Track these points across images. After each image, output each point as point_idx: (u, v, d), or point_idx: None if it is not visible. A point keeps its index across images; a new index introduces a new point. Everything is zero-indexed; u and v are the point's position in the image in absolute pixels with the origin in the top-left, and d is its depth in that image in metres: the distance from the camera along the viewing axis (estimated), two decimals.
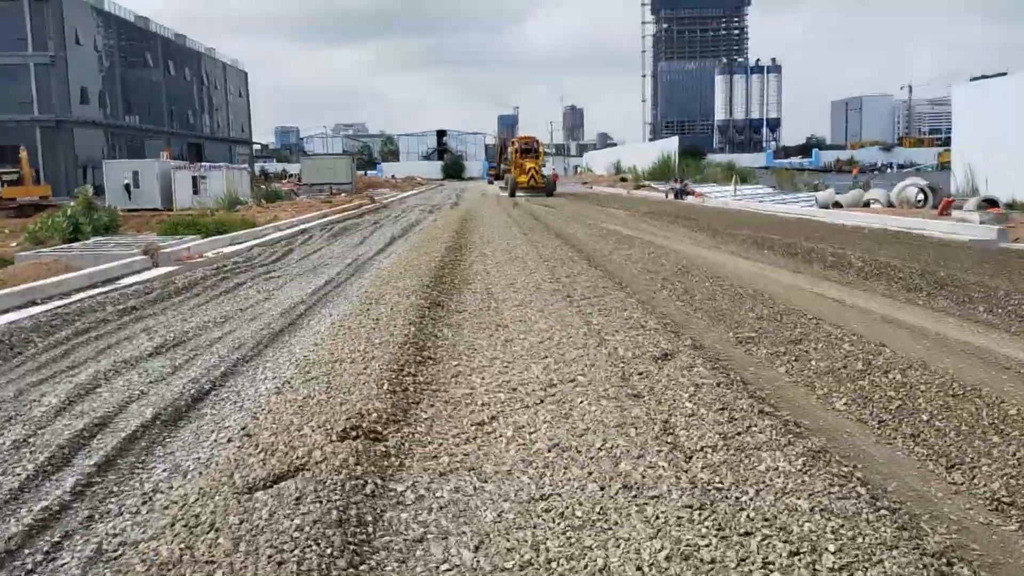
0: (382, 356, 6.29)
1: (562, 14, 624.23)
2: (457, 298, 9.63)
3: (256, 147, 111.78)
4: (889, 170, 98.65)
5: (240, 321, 8.86)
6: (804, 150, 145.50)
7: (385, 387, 5.44)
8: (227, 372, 6.55)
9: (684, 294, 9.36)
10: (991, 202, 22.97)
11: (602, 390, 5.29)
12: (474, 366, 6.34)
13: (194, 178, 39.56)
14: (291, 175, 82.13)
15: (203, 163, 46.03)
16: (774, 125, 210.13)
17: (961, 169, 28.86)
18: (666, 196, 39.62)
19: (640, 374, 5.68)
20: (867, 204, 28.18)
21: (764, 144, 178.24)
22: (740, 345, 6.84)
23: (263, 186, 50.09)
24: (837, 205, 28.84)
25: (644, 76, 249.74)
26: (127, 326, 8.93)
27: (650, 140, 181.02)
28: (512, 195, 39.00)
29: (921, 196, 27.22)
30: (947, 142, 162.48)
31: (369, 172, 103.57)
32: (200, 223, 21.84)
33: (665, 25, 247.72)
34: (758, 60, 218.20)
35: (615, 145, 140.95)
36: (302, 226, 23.82)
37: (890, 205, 27.50)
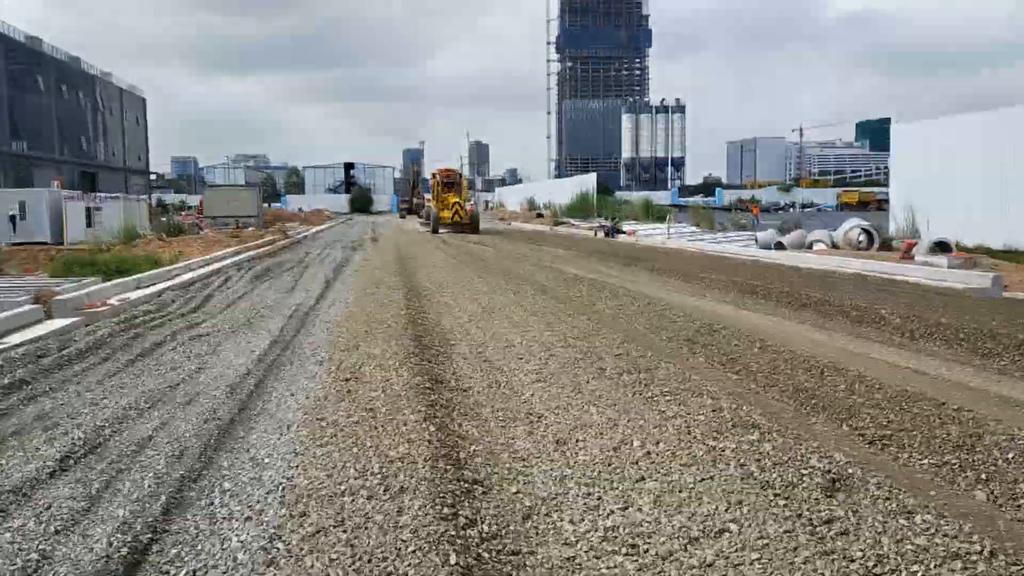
0: (410, 485, 4.28)
1: (468, 50, 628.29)
2: (448, 368, 7.64)
3: (152, 177, 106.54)
4: (792, 210, 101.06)
5: (172, 406, 6.65)
6: (703, 189, 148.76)
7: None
8: (170, 507, 4.41)
9: (734, 363, 7.59)
10: (943, 245, 22.34)
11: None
12: (541, 495, 4.39)
13: (88, 209, 36.19)
14: (191, 207, 78.09)
15: (98, 193, 42.47)
16: (678, 164, 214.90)
17: (901, 210, 28.48)
18: (595, 234, 38.42)
19: (824, 520, 3.84)
20: (810, 246, 27.44)
21: (669, 182, 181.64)
22: (882, 451, 5.09)
23: (163, 218, 46.72)
24: (780, 246, 28.02)
25: (549, 113, 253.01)
26: (14, 412, 6.62)
27: (555, 176, 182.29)
28: (435, 231, 36.98)
29: (863, 238, 26.63)
30: (840, 183, 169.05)
31: (274, 204, 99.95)
32: (99, 261, 19.12)
33: (570, 64, 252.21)
34: (663, 100, 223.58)
35: (521, 182, 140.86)
36: (215, 265, 21.32)
37: (834, 246, 26.79)
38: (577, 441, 5.27)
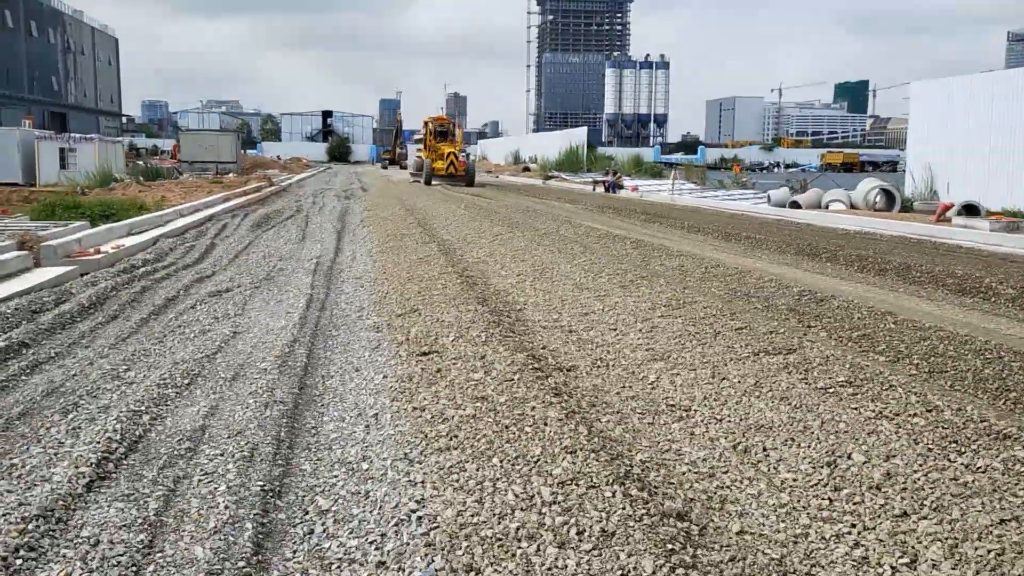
0: (611, 527, 3.07)
1: (448, 1, 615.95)
2: (534, 341, 6.40)
3: (123, 120, 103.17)
4: (776, 169, 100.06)
5: (216, 382, 5.37)
6: (683, 147, 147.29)
7: None
8: (260, 543, 3.17)
9: (878, 343, 6.35)
10: (971, 208, 21.33)
11: None
12: (777, 539, 3.21)
13: (62, 150, 34.22)
14: (163, 151, 75.61)
15: (72, 134, 40.36)
16: (661, 121, 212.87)
17: (919, 171, 27.46)
18: (593, 189, 37.09)
19: None
20: (826, 206, 26.38)
21: (651, 139, 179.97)
22: None
23: (139, 162, 44.75)
24: (795, 205, 26.93)
25: (529, 67, 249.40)
26: (17, 385, 5.33)
27: (533, 131, 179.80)
28: (428, 182, 35.37)
29: (880, 199, 25.58)
30: (818, 144, 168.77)
31: (250, 151, 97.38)
32: (83, 205, 17.58)
33: (550, 17, 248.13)
34: (647, 56, 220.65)
35: (502, 135, 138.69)
36: (206, 211, 19.82)
37: (852, 207, 25.72)
38: (765, 449, 4.08)
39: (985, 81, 26.08)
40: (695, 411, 4.65)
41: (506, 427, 4.14)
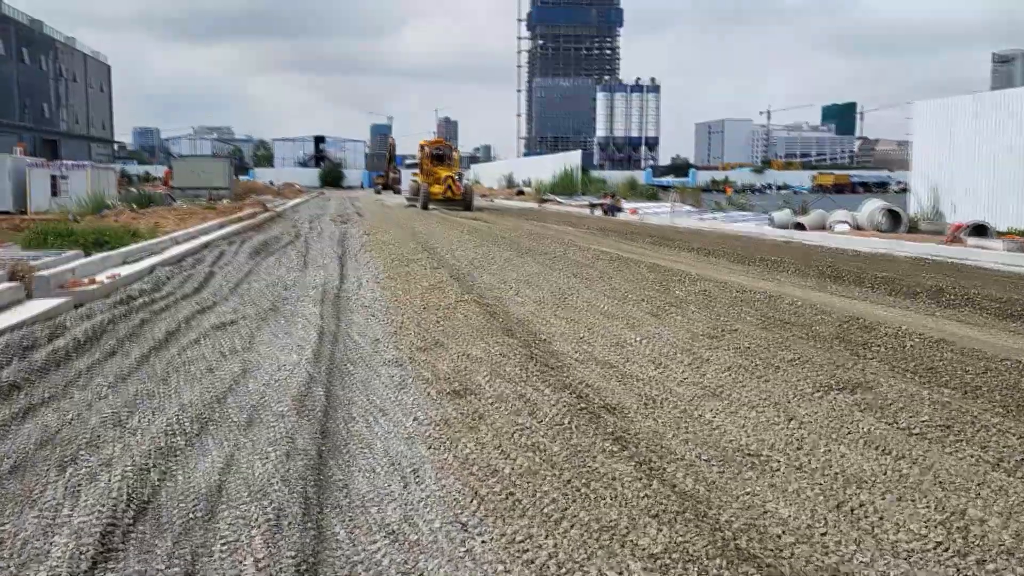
0: None
1: (437, 25, 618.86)
2: (572, 377, 5.90)
3: (114, 146, 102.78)
4: (768, 191, 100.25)
5: (229, 429, 4.85)
6: (674, 169, 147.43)
7: None
8: None
9: (951, 379, 5.88)
10: (980, 228, 21.00)
11: None
12: None
13: (53, 177, 33.73)
14: (155, 178, 75.12)
15: (64, 161, 39.86)
16: (652, 144, 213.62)
17: (924, 191, 27.18)
18: (590, 212, 36.72)
19: None
20: (830, 227, 26.03)
21: (642, 162, 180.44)
22: None
23: (132, 189, 44.24)
24: (799, 226, 26.58)
25: (519, 91, 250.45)
26: (9, 433, 4.81)
27: (524, 155, 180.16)
28: (425, 207, 34.88)
29: (883, 219, 25.22)
30: (808, 166, 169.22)
31: (242, 177, 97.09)
32: (76, 232, 17.03)
33: (540, 41, 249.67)
34: (638, 79, 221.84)
35: (494, 159, 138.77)
36: (203, 238, 19.31)
37: (858, 228, 25.37)
38: (863, 505, 3.57)
39: (991, 100, 25.87)
40: (771, 459, 4.15)
41: (571, 484, 3.63)
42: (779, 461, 4.13)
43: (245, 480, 4.01)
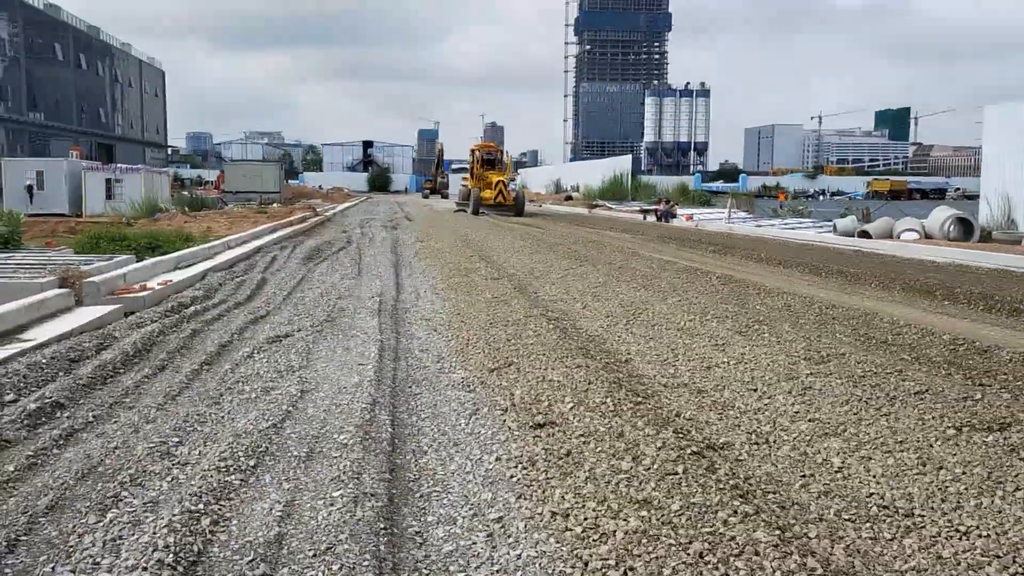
0: None
1: (484, 31, 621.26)
2: (662, 406, 5.28)
3: (168, 151, 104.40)
4: (821, 197, 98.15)
5: (288, 463, 4.33)
6: (722, 175, 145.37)
7: None
8: None
9: None
10: None
11: None
12: None
13: (108, 180, 33.99)
14: (207, 182, 75.95)
15: (118, 164, 40.23)
16: (701, 149, 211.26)
17: (995, 198, 25.99)
18: (643, 218, 35.92)
19: None
20: (897, 235, 24.99)
21: (691, 167, 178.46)
22: None
23: (184, 192, 44.56)
24: (863, 234, 25.59)
25: (566, 96, 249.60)
26: (47, 462, 4.35)
27: (571, 160, 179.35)
28: (476, 212, 34.33)
29: (953, 228, 24.11)
30: (860, 171, 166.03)
31: (291, 181, 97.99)
32: (128, 236, 16.86)
33: (587, 47, 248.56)
34: (687, 84, 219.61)
35: (541, 164, 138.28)
36: (254, 243, 19.04)
37: (927, 237, 24.30)
38: None
39: None
40: (923, 519, 3.50)
41: (704, 560, 3.02)
42: (933, 521, 3.48)
43: (308, 531, 3.47)
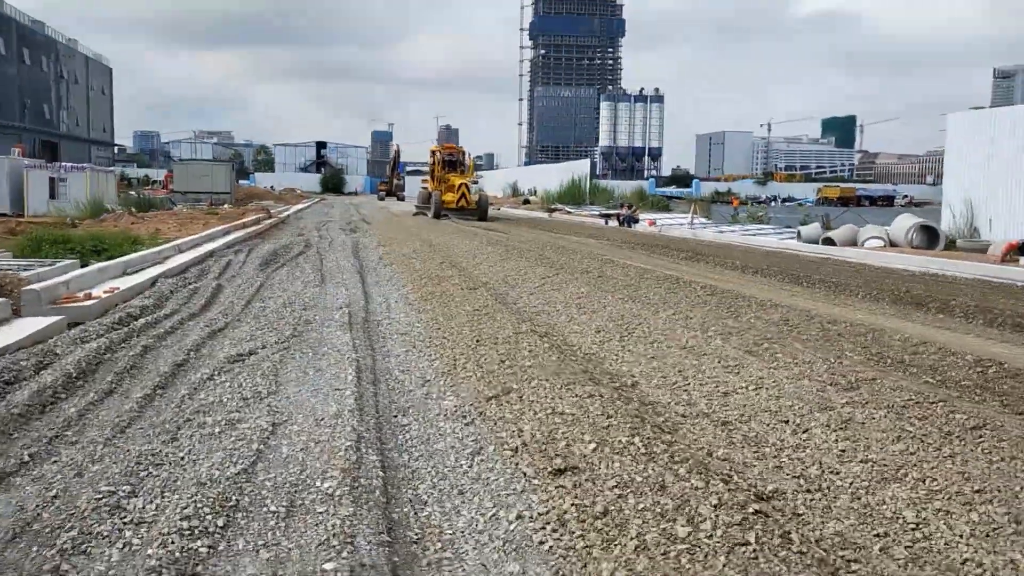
0: None
1: (439, 34, 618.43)
2: (683, 443, 4.67)
3: (114, 149, 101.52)
4: (773, 203, 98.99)
5: (263, 521, 3.62)
6: (675, 180, 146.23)
7: None
8: None
9: None
10: None
11: None
12: None
13: (52, 179, 32.52)
14: (155, 181, 73.91)
15: (63, 163, 38.64)
16: (655, 154, 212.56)
17: (958, 206, 25.97)
18: (606, 222, 35.46)
19: None
20: (862, 243, 24.82)
21: (645, 172, 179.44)
22: None
23: (132, 192, 43.01)
24: (828, 241, 25.39)
25: (521, 100, 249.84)
26: None
27: (526, 163, 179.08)
28: (437, 216, 33.41)
29: (915, 236, 24.01)
30: (808, 178, 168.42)
31: (242, 182, 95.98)
32: (72, 239, 15.78)
33: (542, 51, 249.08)
34: (641, 90, 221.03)
35: (497, 167, 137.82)
36: (207, 246, 18.10)
37: (892, 244, 24.17)
38: None
39: None
40: None
41: None
42: None
43: None
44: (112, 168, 48.92)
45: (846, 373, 5.98)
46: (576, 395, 5.20)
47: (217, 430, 4.90)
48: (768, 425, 4.92)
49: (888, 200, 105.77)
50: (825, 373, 6.01)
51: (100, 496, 3.87)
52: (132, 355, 7.01)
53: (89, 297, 9.90)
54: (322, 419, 5.10)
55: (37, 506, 3.85)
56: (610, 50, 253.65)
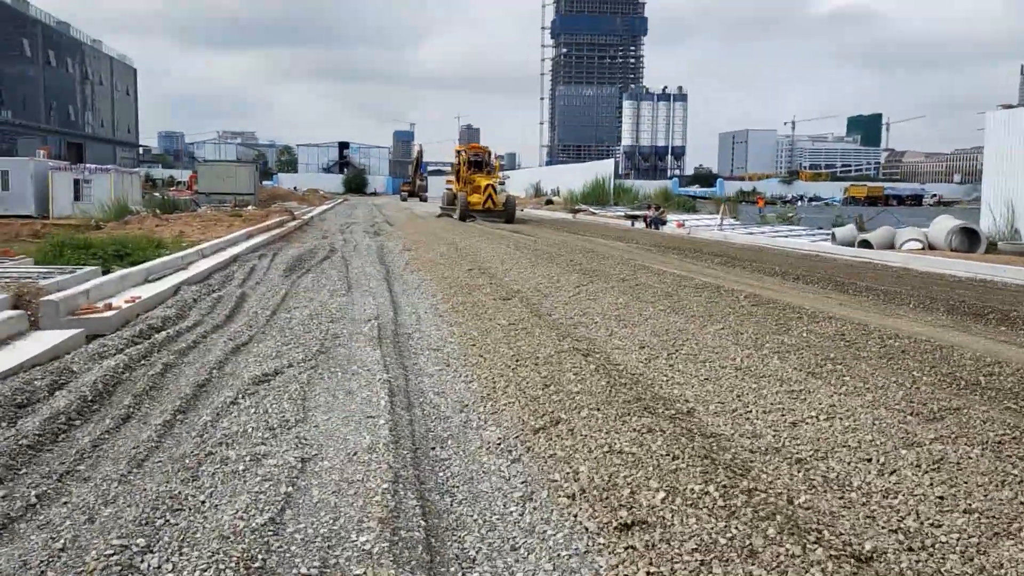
0: None
1: (461, 33, 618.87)
2: (768, 483, 4.19)
3: (139, 150, 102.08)
4: (799, 203, 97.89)
5: None
6: (698, 179, 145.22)
7: None
8: None
9: None
10: None
11: None
12: None
13: (76, 181, 32.45)
14: (180, 182, 74.17)
15: (88, 164, 38.61)
16: (678, 153, 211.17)
17: (999, 206, 25.20)
18: (632, 224, 34.89)
19: None
20: (900, 246, 24.13)
21: (668, 172, 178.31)
22: None
23: (156, 194, 42.96)
24: (864, 244, 24.71)
25: (542, 99, 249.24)
26: None
27: (547, 162, 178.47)
28: (463, 218, 32.87)
29: (955, 240, 23.27)
30: (834, 177, 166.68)
31: (266, 182, 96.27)
32: (94, 244, 15.48)
33: (564, 50, 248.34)
34: (664, 88, 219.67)
35: (519, 167, 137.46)
36: (231, 250, 17.78)
37: (930, 247, 23.47)
38: None
39: None
40: None
41: None
42: None
43: None
44: (137, 169, 48.91)
45: (925, 400, 5.47)
46: (633, 429, 4.72)
47: (241, 467, 4.47)
48: (849, 464, 4.43)
49: (917, 199, 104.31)
50: (902, 400, 5.49)
51: (111, 552, 3.46)
52: (152, 374, 6.62)
53: (109, 308, 9.54)
54: (355, 453, 4.66)
55: (40, 562, 3.44)
56: (632, 48, 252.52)
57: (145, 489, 4.24)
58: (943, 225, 24.06)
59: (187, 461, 4.61)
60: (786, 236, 29.01)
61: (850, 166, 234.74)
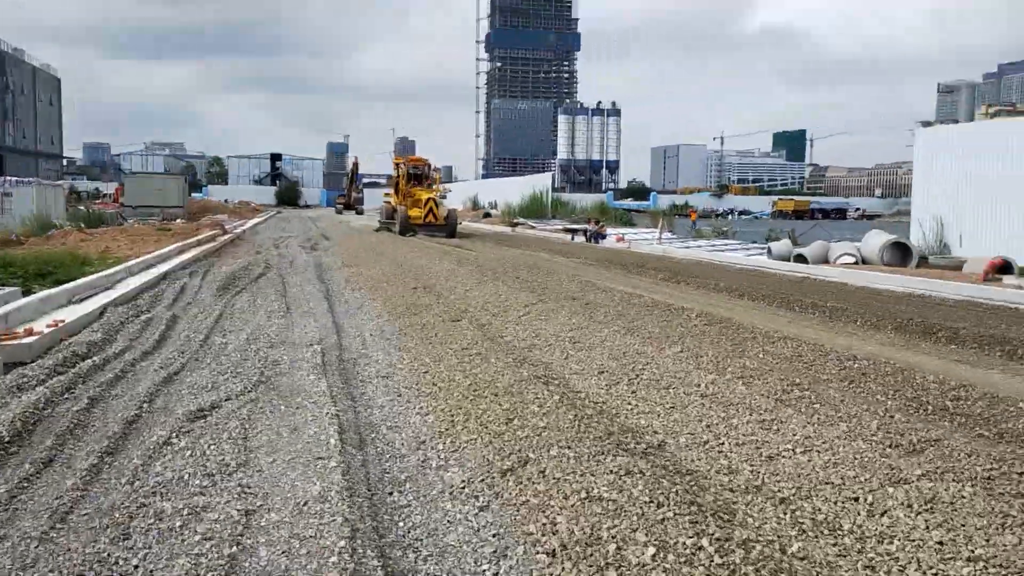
0: None
1: (396, 46, 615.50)
2: (773, 546, 3.91)
3: (63, 162, 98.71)
4: (730, 216, 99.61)
5: None
6: (631, 193, 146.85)
7: None
8: None
9: None
10: (1005, 266, 19.54)
11: None
12: None
13: None
14: (105, 195, 71.88)
15: (8, 177, 37.00)
16: (613, 167, 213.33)
17: (928, 221, 25.75)
18: (571, 238, 34.81)
19: None
20: (834, 260, 24.47)
21: (603, 185, 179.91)
22: None
23: (81, 207, 41.40)
24: (800, 258, 24.98)
25: (478, 112, 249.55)
26: None
27: (483, 175, 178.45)
28: (403, 233, 32.19)
29: (888, 255, 23.71)
30: (762, 191, 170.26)
31: (195, 195, 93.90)
32: (16, 262, 14.64)
33: (499, 64, 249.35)
34: (599, 103, 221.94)
35: (456, 180, 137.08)
36: (160, 267, 17.03)
37: (863, 261, 23.84)
38: None
39: (1002, 128, 24.64)
40: None
41: None
42: None
43: None
44: (60, 182, 47.14)
45: (902, 431, 5.28)
46: (610, 471, 4.40)
47: (178, 522, 4.02)
48: (835, 504, 4.18)
49: (841, 213, 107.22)
50: (879, 431, 5.30)
51: None
52: (76, 410, 6.07)
53: (30, 333, 8.88)
54: (305, 503, 4.25)
55: None
56: (566, 64, 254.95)
57: (70, 549, 3.77)
58: (876, 240, 24.45)
59: (117, 515, 4.14)
60: (722, 250, 29.25)
61: (776, 180, 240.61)
